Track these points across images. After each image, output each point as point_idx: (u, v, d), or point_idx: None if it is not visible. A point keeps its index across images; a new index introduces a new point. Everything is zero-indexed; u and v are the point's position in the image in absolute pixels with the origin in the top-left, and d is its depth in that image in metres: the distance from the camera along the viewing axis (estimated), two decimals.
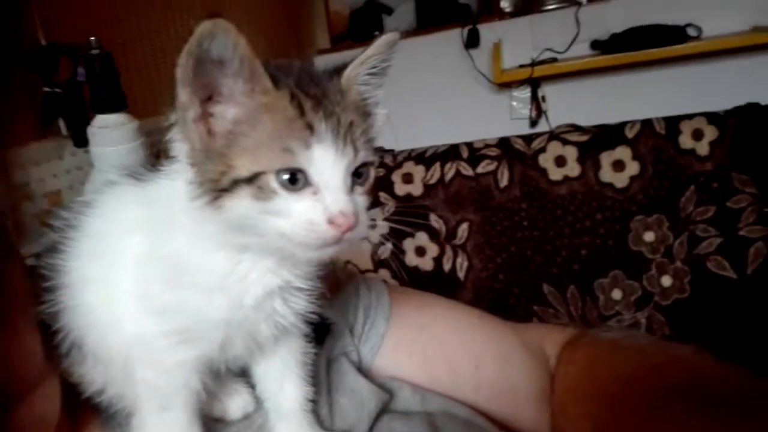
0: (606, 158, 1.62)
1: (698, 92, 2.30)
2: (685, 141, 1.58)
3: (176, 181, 0.55)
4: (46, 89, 0.94)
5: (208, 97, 0.51)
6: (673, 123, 1.61)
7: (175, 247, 0.56)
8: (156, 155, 0.65)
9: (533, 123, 2.75)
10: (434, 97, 2.80)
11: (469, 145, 1.71)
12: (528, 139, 1.70)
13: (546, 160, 1.66)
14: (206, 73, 0.50)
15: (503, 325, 0.89)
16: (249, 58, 0.49)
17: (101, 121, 0.94)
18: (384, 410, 0.72)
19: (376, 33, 3.05)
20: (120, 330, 0.58)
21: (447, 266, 1.67)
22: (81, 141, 0.98)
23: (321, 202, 0.51)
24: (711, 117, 1.59)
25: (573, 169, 1.64)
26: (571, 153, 1.65)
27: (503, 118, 2.80)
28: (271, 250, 0.54)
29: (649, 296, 1.56)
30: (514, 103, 2.79)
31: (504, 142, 1.70)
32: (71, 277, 0.60)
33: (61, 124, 1.01)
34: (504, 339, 0.86)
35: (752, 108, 1.59)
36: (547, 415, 0.81)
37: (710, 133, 1.57)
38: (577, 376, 0.79)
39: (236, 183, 0.50)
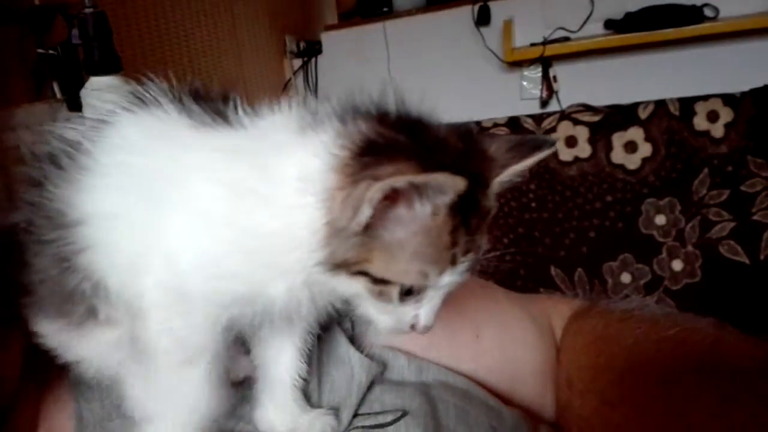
0: (618, 139, 1.59)
1: (714, 74, 2.25)
2: (700, 123, 1.54)
3: (284, 148, 0.52)
4: (40, 51, 0.91)
5: None
6: (687, 104, 1.57)
7: (259, 225, 0.52)
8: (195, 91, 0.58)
9: (544, 103, 2.70)
10: (443, 75, 2.76)
11: (477, 123, 1.68)
12: (538, 118, 1.67)
13: (556, 141, 1.62)
14: (406, 193, 0.49)
15: (507, 295, 0.86)
16: (451, 200, 0.48)
17: (95, 83, 0.91)
18: (376, 381, 0.69)
19: (385, 9, 2.98)
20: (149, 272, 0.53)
21: None
22: (75, 104, 0.95)
23: (416, 310, 0.54)
24: (727, 98, 1.55)
25: (584, 149, 1.61)
26: (582, 133, 1.62)
27: (513, 98, 2.76)
28: None
29: (659, 280, 1.54)
30: (525, 83, 2.74)
31: (513, 122, 1.67)
32: (88, 211, 0.55)
33: (56, 87, 0.98)
34: (507, 309, 0.83)
35: None
36: (551, 388, 0.78)
37: (725, 114, 1.53)
38: (584, 349, 0.76)
39: (362, 273, 0.51)
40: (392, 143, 0.50)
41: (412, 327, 0.55)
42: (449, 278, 0.52)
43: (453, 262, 0.51)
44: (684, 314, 0.76)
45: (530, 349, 0.80)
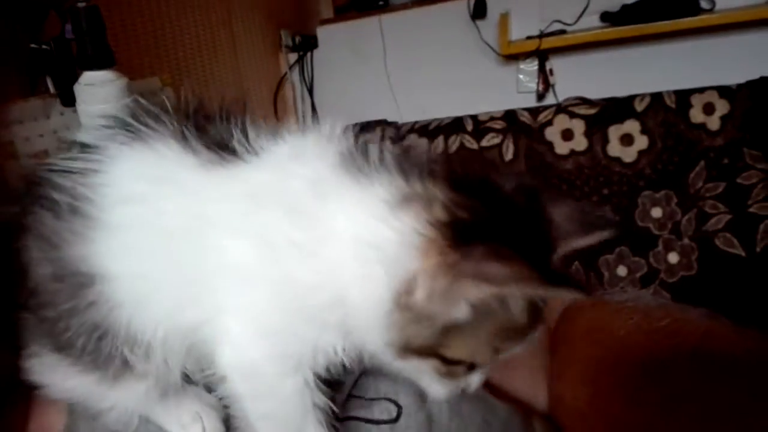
0: (614, 132, 1.59)
1: (710, 66, 2.24)
2: (696, 115, 1.54)
3: (315, 190, 0.48)
4: (33, 46, 0.90)
5: None
6: (683, 96, 1.57)
7: (300, 279, 0.48)
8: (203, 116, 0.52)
9: (540, 97, 2.69)
10: (439, 69, 2.75)
11: (473, 117, 1.67)
12: (534, 112, 1.67)
13: (552, 134, 1.62)
14: None
15: None
16: None
17: (88, 78, 0.90)
18: (370, 370, 0.70)
19: (381, 3, 2.96)
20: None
21: None
22: (69, 100, 0.94)
23: (472, 376, 0.53)
24: (723, 91, 1.55)
25: (580, 143, 1.61)
26: (578, 126, 1.61)
27: (510, 91, 2.75)
28: None
29: (655, 273, 1.54)
30: (521, 76, 2.73)
31: (510, 115, 1.66)
32: (110, 271, 0.52)
33: (50, 82, 0.97)
34: None
35: (765, 82, 1.55)
36: (544, 380, 0.78)
37: (722, 107, 1.53)
38: (577, 340, 0.76)
39: (434, 355, 0.49)
40: (483, 224, 0.45)
41: (462, 389, 0.55)
42: (517, 350, 0.51)
43: (525, 335, 0.50)
44: (677, 305, 0.76)
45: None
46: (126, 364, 0.56)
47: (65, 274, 0.53)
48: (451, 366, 0.50)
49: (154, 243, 0.51)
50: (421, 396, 0.68)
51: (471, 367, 0.51)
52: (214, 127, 0.53)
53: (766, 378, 0.59)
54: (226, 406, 0.63)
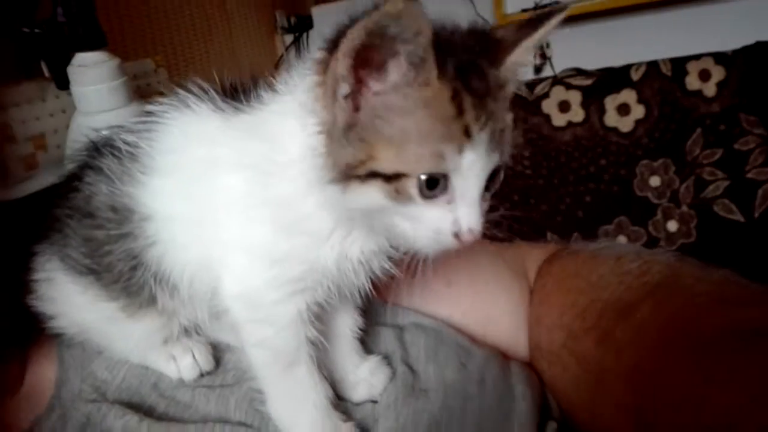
0: (611, 102, 1.59)
1: (706, 33, 2.23)
2: (692, 82, 1.54)
3: (284, 119, 0.54)
4: (25, 29, 0.91)
5: (365, 74, 0.47)
6: (679, 64, 1.57)
7: (283, 192, 0.54)
8: (231, 87, 0.62)
9: (537, 70, 2.68)
10: None
11: None
12: (530, 84, 1.66)
13: (549, 106, 1.62)
14: (375, 51, 0.45)
15: (481, 243, 0.87)
16: (425, 48, 0.45)
17: (80, 59, 0.91)
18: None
19: None
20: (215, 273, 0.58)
21: None
22: (63, 83, 0.95)
23: (453, 212, 0.49)
24: (718, 57, 1.55)
25: (577, 114, 1.61)
26: (575, 98, 1.61)
27: None
28: (380, 232, 0.54)
29: (655, 242, 1.54)
30: None
31: None
32: (153, 209, 0.60)
33: (44, 66, 0.98)
34: (479, 254, 0.85)
35: (761, 47, 1.54)
36: (524, 328, 0.80)
37: (717, 73, 1.53)
38: (553, 287, 0.78)
39: (373, 175, 0.48)
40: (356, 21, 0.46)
41: (457, 237, 0.50)
42: (471, 156, 0.47)
43: (467, 133, 0.46)
44: (647, 249, 0.78)
45: (503, 291, 0.82)
46: (153, 299, 0.64)
47: (118, 206, 0.62)
48: (395, 183, 0.47)
49: (181, 187, 0.59)
50: (402, 346, 0.72)
51: (430, 185, 0.47)
52: (241, 90, 0.61)
53: (727, 305, 0.61)
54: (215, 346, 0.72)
